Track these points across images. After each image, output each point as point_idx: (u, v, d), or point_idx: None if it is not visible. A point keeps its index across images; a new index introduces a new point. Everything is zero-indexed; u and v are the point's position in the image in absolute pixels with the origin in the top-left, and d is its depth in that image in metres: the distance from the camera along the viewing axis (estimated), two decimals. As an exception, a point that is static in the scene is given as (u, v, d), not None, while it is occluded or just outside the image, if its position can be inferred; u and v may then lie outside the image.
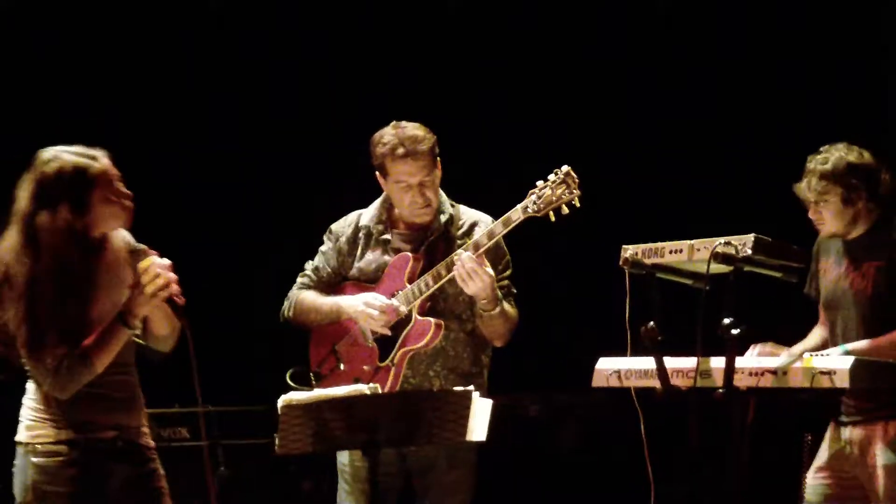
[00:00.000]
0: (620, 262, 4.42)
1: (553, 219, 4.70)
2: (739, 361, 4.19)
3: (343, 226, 5.11)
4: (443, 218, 4.98)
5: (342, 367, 5.00)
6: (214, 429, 6.56)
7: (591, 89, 7.49)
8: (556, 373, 6.86)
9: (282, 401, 4.16)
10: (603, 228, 6.13)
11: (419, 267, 4.91)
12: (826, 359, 4.21)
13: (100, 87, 7.49)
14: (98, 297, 4.10)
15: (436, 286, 4.84)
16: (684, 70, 7.35)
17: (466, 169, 5.74)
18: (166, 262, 4.09)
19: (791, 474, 4.99)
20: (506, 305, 4.88)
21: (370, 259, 5.03)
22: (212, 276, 7.10)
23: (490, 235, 4.79)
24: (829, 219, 4.80)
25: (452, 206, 5.04)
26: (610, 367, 4.46)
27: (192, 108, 7.62)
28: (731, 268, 4.20)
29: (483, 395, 4.32)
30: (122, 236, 4.22)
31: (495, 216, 4.87)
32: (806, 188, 4.81)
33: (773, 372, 4.17)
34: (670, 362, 4.30)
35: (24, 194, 4.09)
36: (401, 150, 4.88)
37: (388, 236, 5.02)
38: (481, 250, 4.77)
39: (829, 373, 4.10)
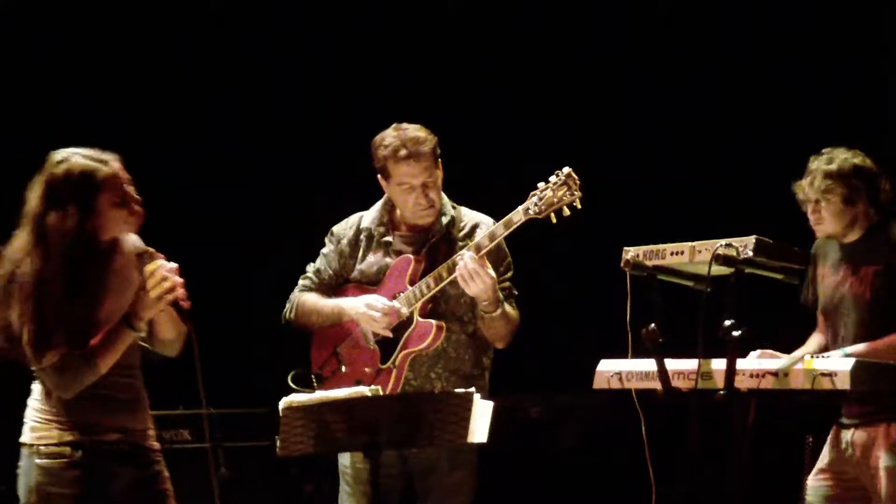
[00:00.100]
0: (621, 264, 4.42)
1: (554, 220, 4.70)
2: (740, 363, 4.18)
3: (344, 228, 5.11)
4: (444, 220, 4.97)
5: (344, 369, 4.99)
6: (216, 431, 6.55)
7: (592, 90, 7.49)
8: (558, 374, 6.85)
9: (283, 403, 4.17)
10: (604, 230, 6.12)
11: (420, 269, 4.91)
12: (827, 361, 4.21)
13: (100, 87, 7.49)
14: (106, 300, 4.11)
15: (437, 288, 4.83)
16: (684, 70, 7.35)
17: (467, 170, 5.74)
18: (173, 265, 4.10)
19: (792, 476, 5.00)
20: (507, 307, 4.88)
21: (372, 261, 5.02)
22: (212, 278, 7.07)
23: (491, 237, 4.78)
24: (828, 218, 4.81)
25: (454, 207, 5.04)
26: (611, 369, 4.46)
27: (192, 108, 7.61)
28: (733, 269, 4.19)
29: (484, 396, 4.31)
30: (132, 240, 4.23)
31: (496, 218, 4.87)
32: (808, 186, 4.82)
33: (774, 374, 4.16)
34: (671, 364, 4.30)
35: (34, 195, 4.11)
36: (403, 152, 4.87)
37: (389, 238, 5.01)
38: (483, 252, 4.76)
39: (830, 375, 4.09)
